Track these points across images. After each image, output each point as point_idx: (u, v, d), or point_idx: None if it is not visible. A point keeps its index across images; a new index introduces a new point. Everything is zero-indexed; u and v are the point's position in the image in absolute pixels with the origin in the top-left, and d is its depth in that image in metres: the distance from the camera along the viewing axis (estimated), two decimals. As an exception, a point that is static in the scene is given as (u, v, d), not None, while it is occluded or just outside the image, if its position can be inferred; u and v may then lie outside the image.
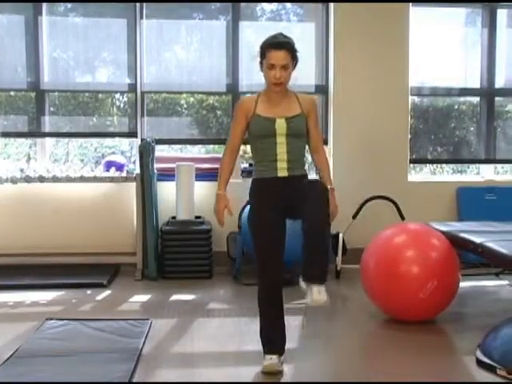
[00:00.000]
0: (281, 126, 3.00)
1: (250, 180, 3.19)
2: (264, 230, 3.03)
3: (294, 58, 3.00)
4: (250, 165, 5.33)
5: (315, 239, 2.89)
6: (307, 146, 3.19)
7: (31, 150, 5.72)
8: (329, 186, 3.08)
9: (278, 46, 2.94)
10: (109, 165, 5.29)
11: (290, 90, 3.11)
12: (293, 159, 3.03)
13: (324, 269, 2.94)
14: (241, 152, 5.67)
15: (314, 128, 3.14)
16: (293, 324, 3.43)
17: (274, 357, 3.06)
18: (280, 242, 3.06)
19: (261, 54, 3.01)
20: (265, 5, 5.61)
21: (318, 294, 2.85)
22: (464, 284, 4.12)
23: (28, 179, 5.01)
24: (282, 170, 3.02)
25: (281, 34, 3.03)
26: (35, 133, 5.43)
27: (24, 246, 5.14)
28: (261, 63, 3.03)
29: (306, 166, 3.18)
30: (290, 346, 3.21)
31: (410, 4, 5.48)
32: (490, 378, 2.99)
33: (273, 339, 3.11)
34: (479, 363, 3.13)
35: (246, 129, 3.08)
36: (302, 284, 2.94)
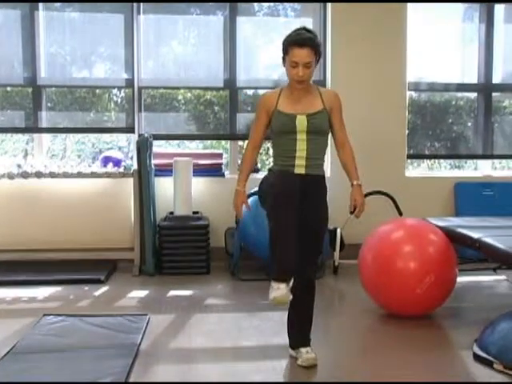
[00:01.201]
0: (301, 122, 2.97)
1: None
2: (279, 224, 2.92)
3: (317, 54, 2.98)
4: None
5: (303, 303, 3.11)
6: (333, 142, 3.16)
7: (28, 146, 5.71)
8: (355, 182, 3.10)
9: (302, 44, 2.90)
10: (106, 160, 5.28)
11: (313, 85, 3.09)
12: (311, 157, 3.01)
13: (309, 331, 3.16)
14: (238, 148, 5.67)
15: (338, 123, 3.11)
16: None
17: (283, 286, 2.88)
18: (293, 235, 2.93)
19: (283, 50, 2.98)
20: (262, 0, 5.60)
21: (306, 353, 3.10)
22: (461, 279, 4.13)
23: (25, 175, 5.00)
24: (300, 167, 3.00)
25: (304, 29, 2.99)
26: (32, 128, 5.41)
27: (21, 242, 5.14)
28: (283, 59, 3.00)
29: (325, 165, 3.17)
30: (286, 340, 3.21)
31: (408, -1, 5.49)
32: (487, 372, 3.00)
33: (285, 267, 2.92)
34: (476, 358, 3.14)
35: (268, 124, 3.06)
36: (291, 352, 3.18)
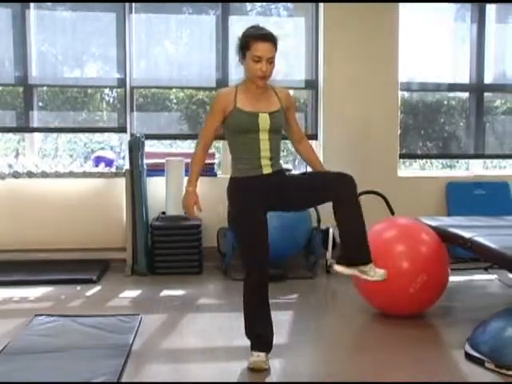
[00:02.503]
0: (264, 121, 2.95)
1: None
2: (251, 230, 2.98)
3: (276, 51, 2.95)
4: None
5: (351, 219, 2.98)
6: (290, 140, 3.22)
7: (19, 146, 5.68)
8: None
9: (265, 38, 2.88)
10: (98, 160, 5.26)
11: (267, 83, 3.03)
12: (274, 155, 3.02)
13: (368, 245, 3.03)
14: (227, 146, 5.66)
15: (294, 120, 3.15)
16: (282, 318, 3.44)
17: (262, 354, 3.04)
18: (266, 240, 3.01)
19: (243, 45, 2.91)
20: None
21: (374, 270, 2.99)
22: (453, 278, 4.14)
23: (16, 175, 4.98)
24: (267, 167, 2.99)
25: (260, 26, 2.97)
26: (23, 128, 5.38)
27: (12, 242, 5.11)
28: (243, 55, 2.93)
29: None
30: (279, 340, 3.21)
31: (400, -1, 5.50)
32: (479, 371, 3.01)
33: (261, 336, 3.08)
34: (468, 357, 3.15)
35: (222, 123, 3.00)
36: (339, 267, 3.01)
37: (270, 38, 2.90)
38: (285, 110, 3.05)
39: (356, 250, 3.00)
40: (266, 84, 3.00)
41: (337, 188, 2.94)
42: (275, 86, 3.10)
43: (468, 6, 5.76)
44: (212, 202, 5.12)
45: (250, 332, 3.10)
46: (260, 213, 2.99)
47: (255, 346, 3.07)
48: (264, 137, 2.97)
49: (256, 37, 2.88)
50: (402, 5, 5.50)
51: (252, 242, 3.00)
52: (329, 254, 4.98)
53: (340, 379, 2.94)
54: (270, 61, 2.91)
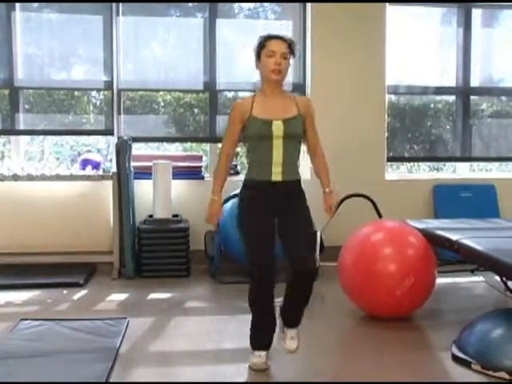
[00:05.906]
0: (278, 127, 2.95)
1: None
2: (257, 234, 2.97)
3: (292, 53, 3.01)
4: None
5: (300, 291, 3.01)
6: (306, 148, 3.15)
7: (5, 148, 5.64)
8: (327, 189, 3.10)
9: (278, 37, 2.99)
10: (85, 163, 5.23)
11: (287, 91, 3.10)
12: (288, 162, 2.99)
13: (302, 316, 3.11)
14: (218, 150, 5.66)
15: (312, 129, 3.09)
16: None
17: (263, 354, 3.05)
18: (270, 241, 2.98)
19: (258, 48, 2.99)
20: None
21: (290, 339, 3.10)
22: (440, 281, 4.15)
23: (2, 177, 4.94)
24: (277, 174, 2.98)
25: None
26: (9, 130, 5.34)
27: (-2, 246, 5.07)
28: (258, 60, 3.00)
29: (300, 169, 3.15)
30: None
31: (387, 3, 5.52)
32: (465, 372, 3.02)
33: (263, 337, 3.07)
34: (455, 358, 3.17)
35: (242, 131, 3.03)
36: (280, 333, 3.15)
37: (283, 38, 3.00)
38: (303, 117, 3.04)
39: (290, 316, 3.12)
40: (281, 84, 3.01)
41: (299, 266, 2.96)
42: (295, 94, 3.13)
43: (454, 10, 5.80)
44: (199, 204, 5.11)
45: (252, 331, 3.09)
46: (265, 216, 2.97)
47: (256, 346, 3.07)
48: (277, 143, 2.96)
49: (269, 36, 3.00)
50: (389, 8, 5.53)
51: (253, 242, 2.97)
52: (316, 256, 4.98)
53: (327, 380, 2.94)
54: (284, 56, 2.95)
